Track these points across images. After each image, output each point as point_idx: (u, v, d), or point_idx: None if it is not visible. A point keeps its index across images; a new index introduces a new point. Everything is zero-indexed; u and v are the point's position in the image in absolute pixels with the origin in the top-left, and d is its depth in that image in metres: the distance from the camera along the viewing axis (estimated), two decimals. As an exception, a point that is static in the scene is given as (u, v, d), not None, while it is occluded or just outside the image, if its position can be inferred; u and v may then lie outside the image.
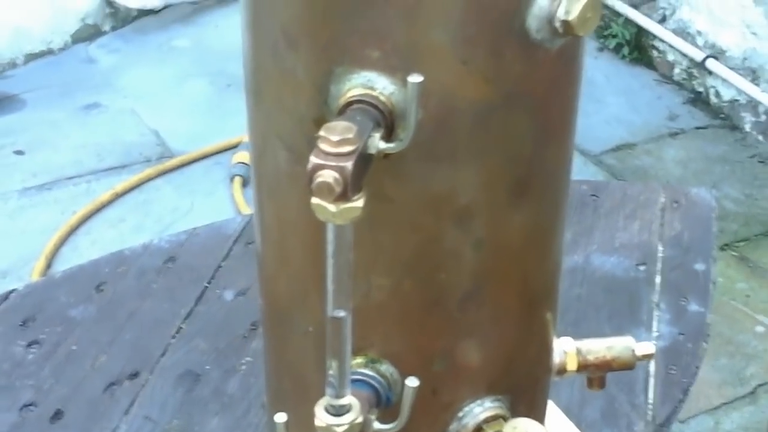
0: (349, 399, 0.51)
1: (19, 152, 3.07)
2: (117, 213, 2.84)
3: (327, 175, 0.45)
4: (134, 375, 1.29)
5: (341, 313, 0.49)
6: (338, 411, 0.51)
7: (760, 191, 3.00)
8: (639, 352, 0.68)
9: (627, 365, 0.67)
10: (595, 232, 1.59)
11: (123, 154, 3.07)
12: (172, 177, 2.99)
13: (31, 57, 3.54)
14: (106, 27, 3.70)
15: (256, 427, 1.20)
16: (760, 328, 2.50)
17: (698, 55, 3.33)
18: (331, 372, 0.51)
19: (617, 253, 1.55)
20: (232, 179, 2.94)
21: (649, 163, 3.11)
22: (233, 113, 3.22)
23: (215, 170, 3.01)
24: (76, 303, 1.41)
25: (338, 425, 0.50)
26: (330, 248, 0.48)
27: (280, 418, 0.52)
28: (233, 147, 3.06)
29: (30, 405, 1.24)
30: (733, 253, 2.75)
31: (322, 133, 0.47)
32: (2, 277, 2.55)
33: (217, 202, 2.87)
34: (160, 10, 3.79)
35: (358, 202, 0.47)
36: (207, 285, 1.46)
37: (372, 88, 0.51)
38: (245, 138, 3.04)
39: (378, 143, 0.49)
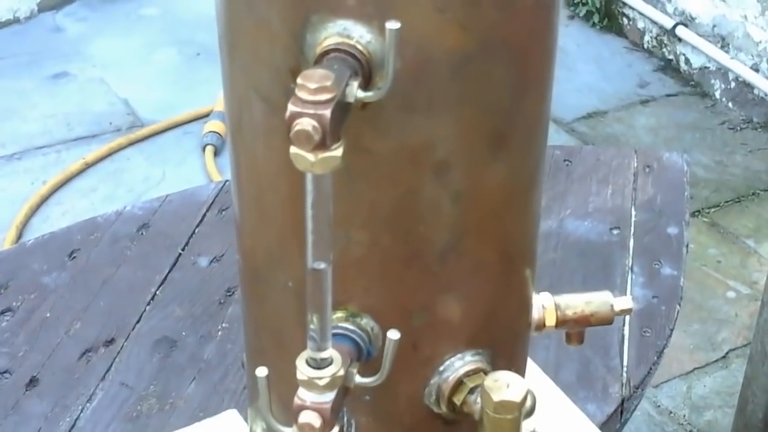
0: (330, 352, 0.51)
1: (-12, 122, 3.04)
2: (88, 183, 2.82)
3: (305, 123, 0.45)
4: (110, 342, 1.29)
5: (321, 265, 0.49)
6: (319, 364, 0.51)
7: (730, 158, 3.01)
8: (617, 307, 0.68)
9: (605, 320, 0.67)
10: (569, 197, 1.60)
11: (93, 123, 3.04)
12: (143, 146, 2.97)
13: (-2, 26, 3.50)
14: (73, -6, 3.66)
15: (234, 393, 1.20)
16: (731, 294, 2.52)
17: (668, 23, 3.33)
18: (312, 325, 0.50)
19: (591, 217, 1.56)
20: (203, 148, 2.92)
21: (620, 131, 3.12)
22: (203, 82, 3.20)
23: (186, 139, 2.99)
24: (49, 270, 1.40)
25: (320, 378, 0.50)
26: (309, 199, 0.48)
27: (261, 372, 0.51)
28: (204, 116, 3.04)
29: (5, 372, 1.24)
30: (704, 220, 2.77)
31: (299, 81, 0.46)
32: (-28, 248, 2.52)
33: (188, 171, 2.86)
34: (127, -22, 3.75)
35: (337, 151, 0.46)
36: (181, 252, 1.46)
37: (348, 37, 0.51)
38: (216, 107, 3.03)
39: (356, 92, 0.49)
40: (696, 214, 2.76)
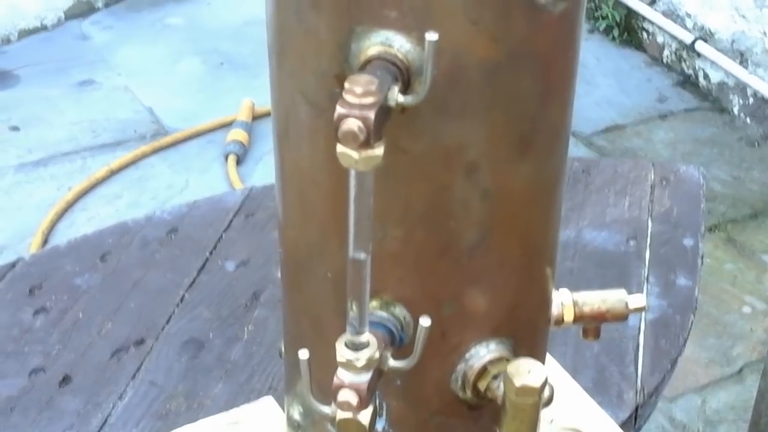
0: (367, 336, 0.55)
1: (15, 128, 3.09)
2: (113, 189, 2.87)
3: (352, 124, 0.49)
4: (140, 342, 1.32)
5: (362, 255, 0.53)
6: (357, 347, 0.55)
7: (748, 173, 3.03)
8: (631, 305, 0.72)
9: (620, 316, 0.71)
10: (587, 207, 1.62)
11: (118, 130, 3.09)
12: (167, 154, 3.01)
13: (25, 33, 3.56)
14: (99, 4, 3.71)
15: (259, 392, 1.23)
16: (747, 309, 2.54)
17: (687, 38, 3.36)
18: (351, 312, 0.54)
19: (608, 228, 1.58)
20: (226, 157, 2.97)
21: (639, 145, 3.15)
22: (226, 91, 3.25)
23: (209, 148, 3.04)
24: (81, 272, 1.44)
25: (357, 359, 0.54)
26: (352, 194, 0.52)
27: (303, 354, 0.55)
28: (227, 125, 3.09)
29: (39, 370, 1.27)
30: (721, 235, 2.79)
31: (347, 85, 0.51)
32: (-1, 252, 2.57)
33: (211, 179, 2.90)
34: (153, -12, 3.81)
35: (379, 150, 0.51)
36: (209, 255, 1.49)
37: (390, 46, 0.55)
38: (239, 116, 3.08)
39: (397, 96, 0.53)
40: (713, 229, 2.78)
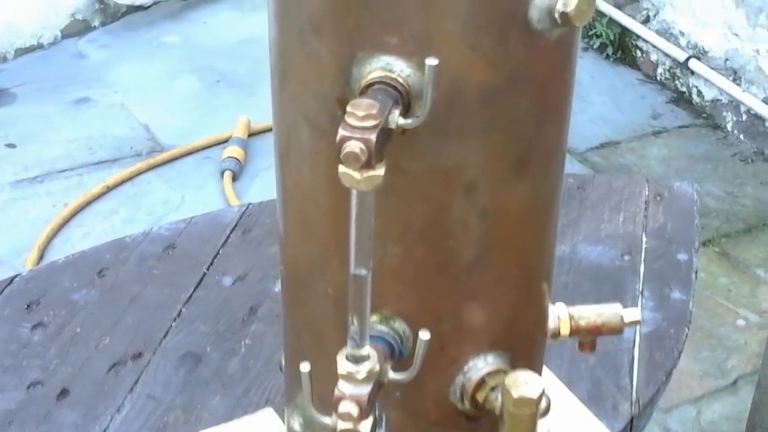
0: (367, 350, 0.57)
1: (11, 145, 3.10)
2: (109, 206, 2.88)
3: (354, 146, 0.51)
4: (137, 356, 1.33)
5: (363, 272, 0.54)
6: (358, 360, 0.56)
7: (741, 189, 3.06)
8: (626, 318, 0.73)
9: (615, 330, 0.73)
10: (582, 223, 1.64)
11: (114, 147, 3.11)
12: (163, 171, 3.03)
13: (22, 51, 3.57)
14: (96, 22, 3.73)
15: (257, 406, 1.24)
16: (741, 322, 2.56)
17: (681, 56, 3.39)
18: (352, 326, 0.56)
19: (603, 243, 1.59)
20: (222, 173, 2.98)
21: (633, 161, 3.17)
22: (222, 109, 3.26)
23: (205, 165, 3.05)
24: (79, 287, 1.45)
25: (358, 372, 0.56)
26: (353, 213, 0.53)
27: (305, 367, 0.57)
28: (223, 142, 3.10)
29: (37, 383, 1.28)
30: (715, 249, 2.81)
31: (349, 109, 0.52)
32: (-4, 268, 2.58)
33: (207, 196, 2.91)
34: (149, 6, 3.83)
35: (380, 170, 0.52)
36: (206, 271, 1.50)
37: (391, 71, 0.57)
38: (235, 133, 3.09)
39: (397, 119, 0.55)
40: (707, 243, 2.80)
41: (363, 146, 0.51)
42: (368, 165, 0.51)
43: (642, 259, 1.55)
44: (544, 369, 0.77)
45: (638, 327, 1.41)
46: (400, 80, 0.57)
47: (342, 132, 0.52)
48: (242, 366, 1.33)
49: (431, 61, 0.54)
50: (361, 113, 0.52)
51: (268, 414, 0.85)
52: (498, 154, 0.61)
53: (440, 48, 0.57)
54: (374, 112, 0.52)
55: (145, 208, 2.86)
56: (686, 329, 1.43)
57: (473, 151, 0.60)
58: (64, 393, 1.27)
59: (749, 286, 2.67)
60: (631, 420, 1.28)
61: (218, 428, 0.83)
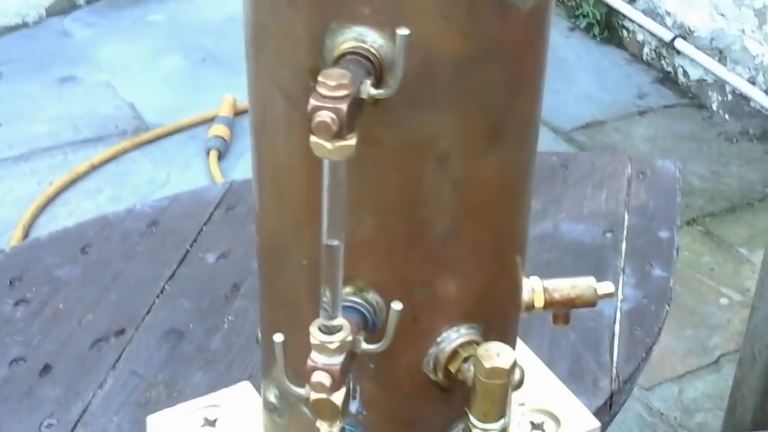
0: (340, 320, 0.57)
1: (-4, 123, 3.10)
2: (94, 184, 2.87)
3: (325, 116, 0.51)
4: (120, 332, 1.33)
5: (335, 242, 0.55)
6: (330, 330, 0.57)
7: (726, 168, 3.07)
8: (600, 291, 0.74)
9: (589, 303, 0.73)
10: (564, 201, 1.64)
11: (99, 126, 3.10)
12: (148, 150, 3.02)
13: (6, 30, 3.55)
14: (81, 1, 3.71)
15: (238, 382, 1.25)
16: (724, 300, 2.57)
17: (667, 35, 3.39)
18: (324, 297, 0.56)
19: (585, 221, 1.60)
20: (207, 152, 2.98)
21: (618, 140, 3.17)
22: (208, 87, 3.26)
23: (191, 143, 3.05)
24: (62, 264, 1.45)
25: (330, 342, 0.56)
26: (326, 183, 0.53)
27: (278, 338, 0.57)
28: (209, 120, 3.09)
29: (19, 359, 1.28)
30: (699, 228, 2.82)
31: (320, 79, 0.52)
32: (-19, 246, 2.57)
33: (193, 175, 2.91)
34: (134, -15, 3.81)
35: (351, 141, 0.52)
36: (189, 248, 1.50)
37: (363, 41, 0.57)
38: (220, 111, 3.09)
39: (369, 89, 0.55)
40: (691, 222, 2.81)
41: (334, 116, 0.51)
42: (339, 135, 0.51)
43: (624, 236, 1.56)
44: (521, 344, 0.77)
45: (619, 304, 1.42)
46: (373, 51, 0.57)
47: (313, 102, 0.52)
48: (225, 342, 1.33)
49: (402, 31, 0.55)
50: (332, 83, 0.52)
51: (245, 387, 0.86)
52: (471, 124, 0.62)
53: (413, 18, 0.57)
54: (345, 81, 0.52)
55: (130, 187, 2.86)
56: (667, 306, 1.44)
57: (446, 122, 0.61)
58: (46, 369, 1.27)
59: (732, 265, 2.68)
60: (611, 396, 1.29)
61: (195, 401, 0.84)
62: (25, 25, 3.60)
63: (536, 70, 0.64)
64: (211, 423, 0.82)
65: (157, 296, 1.40)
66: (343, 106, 0.51)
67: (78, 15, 3.68)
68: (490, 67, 0.61)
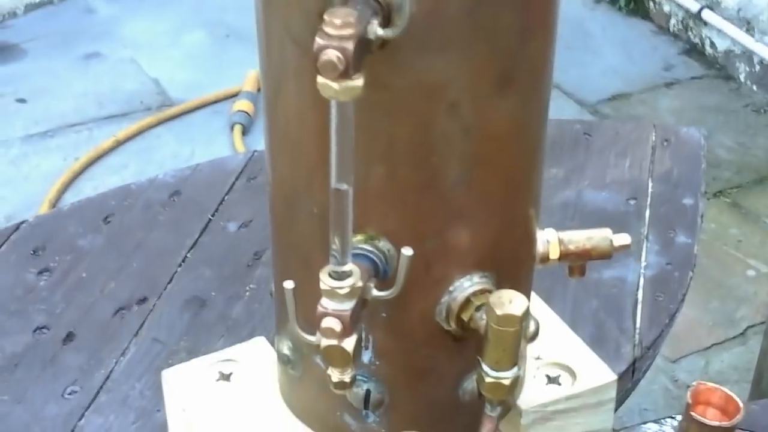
0: (350, 266, 0.57)
1: (21, 100, 3.11)
2: (119, 160, 2.89)
3: (330, 54, 0.51)
4: (142, 300, 1.34)
5: (344, 186, 0.54)
6: (340, 276, 0.56)
7: (753, 139, 3.04)
8: (616, 243, 0.73)
9: (604, 254, 0.72)
10: (587, 168, 1.63)
11: (124, 102, 3.11)
12: (173, 125, 3.03)
13: (31, 7, 3.57)
14: (105, -22, 3.72)
15: (260, 349, 1.25)
16: (751, 272, 2.55)
17: (694, 6, 3.36)
18: (334, 243, 0.56)
19: (608, 188, 1.59)
20: (232, 127, 2.98)
21: (644, 113, 3.15)
22: (231, 63, 3.26)
23: (215, 119, 3.05)
24: (84, 233, 1.45)
25: (340, 288, 0.56)
26: (333, 125, 0.53)
27: (289, 284, 0.57)
28: (232, 96, 3.10)
29: (43, 328, 1.29)
30: (726, 200, 2.79)
31: (326, 17, 0.52)
32: (7, 222, 2.59)
33: (217, 149, 2.91)
34: (158, -38, 3.81)
35: (359, 81, 0.52)
36: (211, 217, 1.50)
37: (370, -19, 0.56)
38: (244, 87, 3.09)
39: (376, 29, 0.54)
40: (718, 194, 2.79)
41: (340, 54, 0.51)
42: (346, 74, 0.51)
43: (648, 203, 1.55)
44: (537, 298, 0.77)
45: (642, 270, 1.41)
46: (380, -9, 0.56)
47: (319, 41, 0.51)
48: (246, 310, 1.33)
49: (408, -32, 0.54)
50: (338, 21, 0.51)
51: (260, 341, 0.86)
52: (481, 69, 0.61)
53: (421, -42, 0.56)
54: (351, 20, 0.51)
55: (155, 163, 2.87)
56: (690, 273, 1.43)
57: (455, 66, 0.60)
58: (69, 337, 1.28)
59: (759, 236, 2.66)
60: (634, 362, 1.28)
61: (210, 356, 0.84)
62: (49, 2, 3.61)
63: (547, 13, 0.63)
64: (226, 377, 0.82)
65: (179, 265, 1.40)
66: (349, 45, 0.51)
67: (102, -9, 3.69)
68: (501, 9, 0.60)
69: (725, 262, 2.57)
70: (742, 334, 2.40)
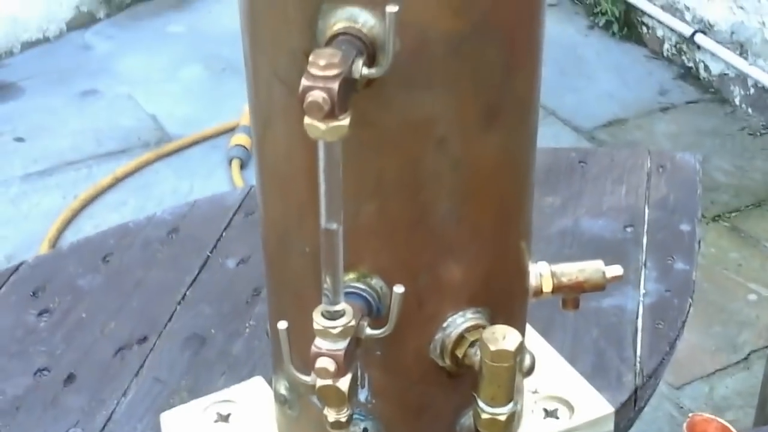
0: (343, 306, 0.57)
1: (19, 139, 3.12)
2: (118, 196, 2.89)
3: (316, 95, 0.51)
4: (143, 339, 1.33)
5: (333, 225, 0.54)
6: (333, 316, 0.56)
7: (750, 163, 3.04)
8: (608, 274, 0.73)
9: (597, 286, 0.72)
10: (584, 196, 1.63)
11: (122, 138, 3.12)
12: (171, 161, 3.04)
13: (28, 45, 3.59)
14: (101, 14, 3.74)
15: (261, 387, 1.24)
16: (752, 296, 2.55)
17: (687, 30, 3.37)
18: (325, 283, 0.56)
19: (605, 216, 1.59)
20: (230, 162, 2.98)
21: (641, 138, 3.16)
22: (229, 97, 3.27)
23: (213, 153, 3.06)
24: (84, 273, 1.45)
25: (333, 327, 0.56)
26: (321, 165, 0.53)
27: (282, 325, 0.57)
28: (230, 130, 3.10)
29: (44, 369, 1.28)
30: (725, 224, 2.79)
31: (311, 58, 0.52)
32: (8, 262, 2.59)
33: (216, 184, 2.92)
34: (153, -3, 3.84)
35: (345, 121, 0.52)
36: (209, 254, 1.50)
37: (355, 22, 0.57)
38: (242, 121, 3.09)
39: (361, 69, 0.55)
40: (716, 218, 2.79)
41: (326, 95, 0.51)
42: (332, 115, 0.51)
43: (645, 230, 1.55)
44: (532, 331, 0.77)
45: (641, 298, 1.41)
46: (364, 31, 0.57)
47: (305, 82, 0.52)
48: (247, 347, 1.33)
49: (391, 8, 0.55)
50: (323, 62, 0.52)
51: (257, 381, 0.86)
52: (467, 104, 0.61)
53: (405, -3, 0.57)
54: (336, 60, 0.52)
55: (154, 198, 2.87)
56: (690, 299, 1.43)
57: (442, 102, 0.60)
58: (70, 378, 1.28)
59: (759, 260, 2.66)
60: (636, 391, 1.28)
61: (209, 397, 0.84)
62: (46, 39, 3.63)
63: (532, 47, 0.64)
64: (224, 418, 0.82)
65: (179, 303, 1.40)
66: (334, 86, 0.51)
67: (98, 28, 3.71)
68: (485, 45, 0.60)
69: (726, 287, 2.57)
70: (745, 359, 2.39)
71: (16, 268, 1.47)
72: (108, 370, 1.29)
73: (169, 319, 1.37)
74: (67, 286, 1.43)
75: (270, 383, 0.84)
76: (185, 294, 1.42)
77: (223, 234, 1.55)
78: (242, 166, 2.98)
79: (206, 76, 3.42)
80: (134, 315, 1.38)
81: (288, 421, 0.75)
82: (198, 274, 1.46)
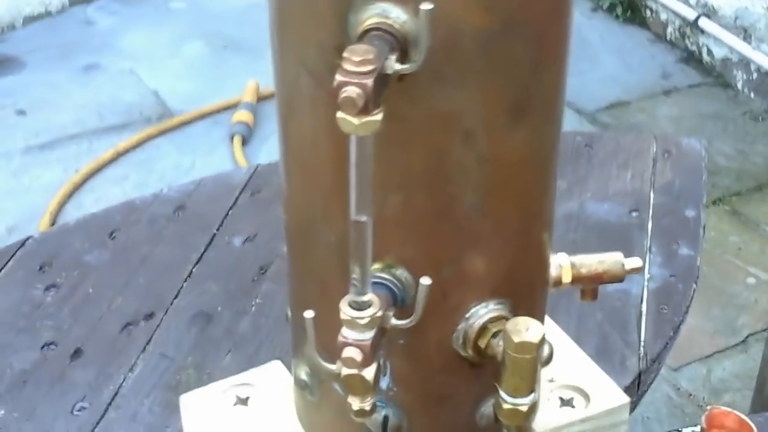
0: (370, 296, 0.58)
1: (21, 112, 3.11)
2: (120, 171, 2.89)
3: (351, 91, 0.51)
4: (149, 316, 1.34)
5: (363, 218, 0.55)
6: (360, 306, 0.57)
7: (752, 147, 3.05)
8: (628, 266, 0.74)
9: (617, 278, 0.73)
10: (589, 181, 1.64)
11: (124, 113, 3.12)
12: (173, 136, 3.04)
13: (30, 19, 3.58)
14: (103, -11, 3.73)
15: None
16: (751, 280, 2.56)
17: (691, 14, 3.37)
18: (354, 273, 0.57)
19: (610, 200, 1.60)
20: (232, 138, 2.99)
21: (643, 121, 3.16)
22: (230, 73, 3.26)
23: (215, 129, 3.06)
24: (90, 249, 1.46)
25: (361, 318, 0.57)
26: (353, 159, 0.54)
27: (309, 314, 0.58)
28: (232, 106, 3.10)
29: (51, 344, 1.29)
30: (726, 208, 2.80)
31: (345, 54, 0.53)
32: (9, 233, 2.60)
33: (217, 160, 2.92)
34: (157, -28, 3.83)
35: (378, 116, 0.53)
36: (216, 232, 1.51)
37: (387, 17, 0.58)
38: (244, 97, 3.09)
39: (394, 65, 0.55)
40: (717, 202, 2.80)
41: (360, 91, 0.51)
42: (365, 110, 0.52)
43: (650, 215, 1.56)
44: (549, 321, 0.78)
45: (646, 283, 1.42)
46: (396, 26, 0.57)
47: (339, 77, 0.52)
48: (253, 325, 1.34)
49: (425, 6, 0.55)
50: (357, 58, 0.52)
51: (276, 366, 0.87)
52: (495, 100, 0.62)
53: (437, -7, 0.57)
54: (371, 57, 0.52)
55: (155, 173, 2.87)
56: (694, 284, 1.44)
57: (470, 97, 0.61)
58: (77, 353, 1.29)
59: (759, 244, 2.67)
60: (639, 375, 1.29)
61: (227, 380, 0.85)
62: (48, 14, 3.62)
63: (560, 44, 0.64)
64: (243, 401, 0.83)
65: (185, 280, 1.41)
66: (369, 82, 0.52)
67: (101, 3, 3.70)
68: (514, 41, 0.61)
69: (725, 270, 2.58)
70: (743, 341, 2.41)
71: (23, 243, 1.47)
72: (115, 345, 1.30)
73: (176, 296, 1.38)
74: (74, 261, 1.44)
75: (286, 367, 0.85)
76: (192, 271, 1.43)
77: (229, 212, 1.55)
78: (244, 142, 2.98)
79: (208, 53, 3.42)
80: (141, 291, 1.39)
81: (308, 406, 0.76)
82: (204, 251, 1.47)
